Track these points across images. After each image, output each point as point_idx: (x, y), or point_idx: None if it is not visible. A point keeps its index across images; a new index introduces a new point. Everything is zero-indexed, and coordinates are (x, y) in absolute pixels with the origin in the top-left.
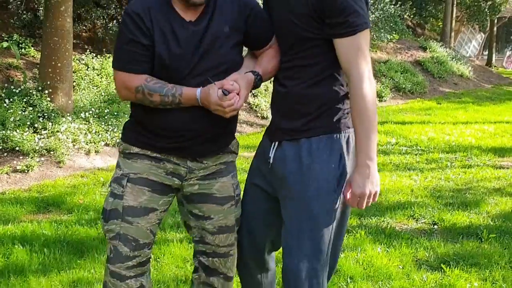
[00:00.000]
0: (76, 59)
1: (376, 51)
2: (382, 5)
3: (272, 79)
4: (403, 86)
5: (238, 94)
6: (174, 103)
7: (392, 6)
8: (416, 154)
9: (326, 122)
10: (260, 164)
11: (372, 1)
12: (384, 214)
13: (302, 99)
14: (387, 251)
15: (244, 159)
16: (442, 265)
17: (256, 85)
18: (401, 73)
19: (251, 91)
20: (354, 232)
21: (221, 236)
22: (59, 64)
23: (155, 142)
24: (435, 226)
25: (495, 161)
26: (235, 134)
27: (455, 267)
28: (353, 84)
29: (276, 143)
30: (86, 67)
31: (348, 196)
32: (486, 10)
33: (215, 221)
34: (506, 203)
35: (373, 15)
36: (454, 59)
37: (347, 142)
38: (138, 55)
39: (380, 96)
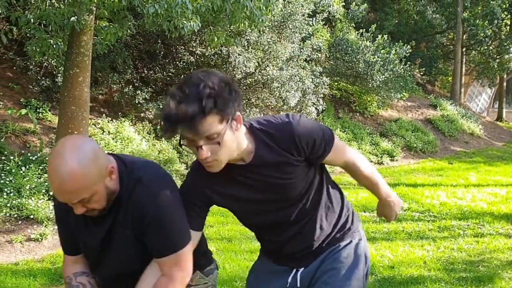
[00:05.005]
0: (92, 124)
1: (386, 109)
2: (391, 66)
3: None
4: (414, 145)
5: None
6: None
7: (402, 66)
8: (428, 221)
9: (343, 235)
10: None
11: (382, 62)
12: None
13: (320, 229)
14: None
15: None
16: None
17: None
18: (412, 132)
19: None
20: None
21: None
22: (75, 132)
23: None
24: None
25: (508, 229)
26: None
27: None
28: (355, 163)
29: (301, 268)
30: (102, 131)
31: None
32: (495, 67)
33: None
34: None
35: (383, 76)
36: (464, 117)
37: (360, 238)
38: (67, 236)
39: (391, 156)
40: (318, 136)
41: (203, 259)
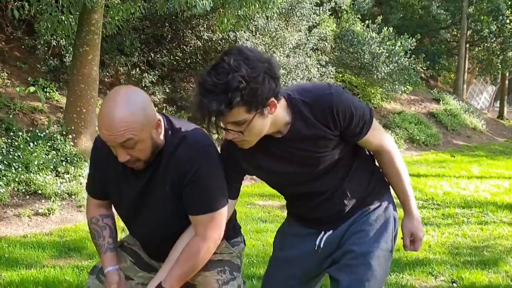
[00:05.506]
0: (99, 104)
1: (390, 102)
2: (396, 58)
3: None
4: (417, 138)
5: None
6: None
7: (406, 59)
8: (432, 209)
9: (372, 199)
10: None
11: (387, 54)
12: (403, 270)
13: (351, 194)
14: None
15: (259, 207)
16: None
17: None
18: (415, 125)
19: None
20: None
21: None
22: (84, 110)
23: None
24: (454, 284)
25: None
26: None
27: None
28: (388, 152)
29: (330, 231)
30: None
31: (409, 243)
32: (498, 64)
33: None
34: None
35: (388, 68)
36: (467, 112)
37: (390, 202)
38: (98, 180)
39: None
40: (356, 113)
41: (231, 230)
